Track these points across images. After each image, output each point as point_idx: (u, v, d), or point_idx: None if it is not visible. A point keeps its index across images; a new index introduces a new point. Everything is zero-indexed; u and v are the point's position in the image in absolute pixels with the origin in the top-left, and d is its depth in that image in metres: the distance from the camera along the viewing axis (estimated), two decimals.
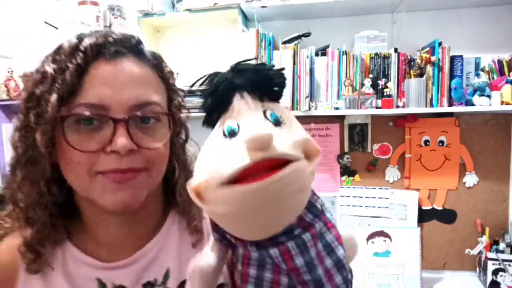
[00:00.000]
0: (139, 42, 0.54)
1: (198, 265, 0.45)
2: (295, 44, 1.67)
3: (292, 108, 1.65)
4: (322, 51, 1.70)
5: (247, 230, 0.39)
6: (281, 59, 1.66)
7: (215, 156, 0.37)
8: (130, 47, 0.52)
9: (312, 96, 1.66)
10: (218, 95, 0.39)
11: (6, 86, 1.99)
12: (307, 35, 1.75)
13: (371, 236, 1.72)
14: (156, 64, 0.55)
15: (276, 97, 0.41)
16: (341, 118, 1.81)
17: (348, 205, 1.83)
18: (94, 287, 0.53)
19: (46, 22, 1.96)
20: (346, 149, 1.83)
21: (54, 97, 0.46)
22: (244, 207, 0.35)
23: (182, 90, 0.59)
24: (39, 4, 2.07)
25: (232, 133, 0.36)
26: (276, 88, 0.41)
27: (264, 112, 0.38)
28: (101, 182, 0.48)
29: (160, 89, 0.54)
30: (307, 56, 1.65)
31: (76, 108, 0.47)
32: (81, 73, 0.47)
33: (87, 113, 0.46)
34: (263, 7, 1.66)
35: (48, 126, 0.46)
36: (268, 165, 0.34)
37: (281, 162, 0.35)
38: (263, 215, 0.36)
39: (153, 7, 1.77)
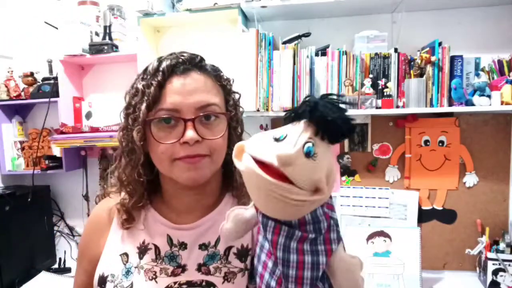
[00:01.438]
0: (201, 59, 0.72)
1: (236, 210, 0.63)
2: (295, 44, 1.67)
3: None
4: (322, 51, 1.70)
5: (254, 199, 0.52)
6: (281, 59, 1.66)
7: (260, 142, 0.49)
8: (195, 64, 0.70)
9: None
10: (294, 111, 0.50)
11: (6, 86, 1.99)
12: (307, 35, 1.75)
13: (371, 236, 1.72)
14: (215, 74, 0.72)
15: (334, 137, 0.48)
16: None
17: (348, 205, 1.83)
18: (164, 240, 0.72)
19: (46, 22, 1.96)
20: (346, 149, 1.83)
21: (143, 105, 0.65)
22: (251, 179, 0.48)
23: (237, 92, 0.77)
24: (39, 4, 2.07)
25: (277, 139, 0.48)
26: (331, 131, 0.48)
27: (306, 142, 0.46)
28: (178, 166, 0.67)
29: (218, 93, 0.71)
30: (307, 56, 1.65)
31: (159, 112, 0.66)
32: (161, 87, 0.66)
33: (165, 115, 0.65)
34: (263, 7, 1.66)
35: (140, 127, 0.66)
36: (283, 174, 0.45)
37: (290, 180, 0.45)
38: (260, 197, 0.49)
39: (153, 7, 1.77)
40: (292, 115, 0.49)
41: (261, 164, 0.46)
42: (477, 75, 1.58)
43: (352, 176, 1.84)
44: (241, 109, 0.78)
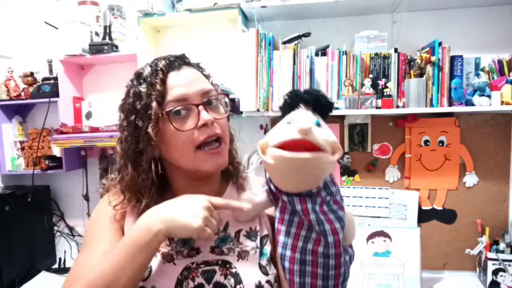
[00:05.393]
0: (187, 57, 0.79)
1: (248, 195, 0.75)
2: (295, 44, 1.67)
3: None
4: (322, 51, 1.70)
5: (283, 182, 0.62)
6: (281, 59, 1.66)
7: (277, 131, 0.60)
8: (184, 61, 0.77)
9: None
10: (289, 102, 0.64)
11: (6, 86, 1.99)
12: (307, 35, 1.75)
13: (371, 236, 1.72)
14: (200, 68, 0.80)
15: (324, 115, 0.63)
16: (341, 118, 1.81)
17: (348, 205, 1.83)
18: None
19: (46, 22, 1.96)
20: (346, 149, 1.83)
21: (154, 103, 0.70)
22: (281, 165, 0.57)
23: (216, 84, 0.83)
24: (39, 4, 2.07)
25: (290, 123, 0.59)
26: (325, 109, 0.64)
27: (312, 117, 0.60)
28: (203, 155, 0.72)
29: (209, 83, 0.78)
30: (307, 56, 1.65)
31: (168, 105, 0.70)
32: (164, 83, 0.71)
33: (178, 106, 0.70)
34: (263, 7, 1.66)
35: (155, 123, 0.69)
36: (307, 145, 0.55)
37: (315, 148, 0.56)
38: (291, 175, 0.59)
39: (153, 7, 1.77)
40: (291, 105, 0.64)
41: (287, 147, 0.56)
42: (477, 75, 1.58)
43: (352, 176, 1.84)
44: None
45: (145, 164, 0.73)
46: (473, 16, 1.72)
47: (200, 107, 0.71)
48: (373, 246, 1.71)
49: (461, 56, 1.61)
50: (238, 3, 1.67)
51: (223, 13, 1.75)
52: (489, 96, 1.57)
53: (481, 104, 1.57)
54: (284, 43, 1.71)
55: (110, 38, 1.88)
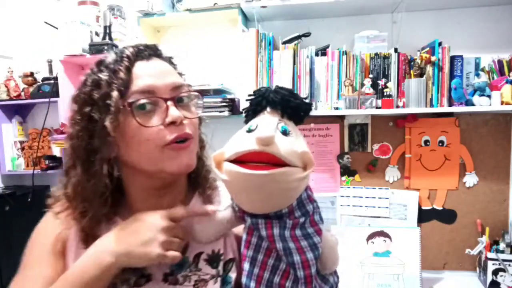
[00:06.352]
0: (159, 48, 0.69)
1: (214, 208, 0.62)
2: (295, 44, 1.67)
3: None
4: (322, 51, 1.70)
5: (244, 202, 0.53)
6: (281, 59, 1.66)
7: (235, 141, 0.51)
8: (155, 52, 0.67)
9: (312, 96, 1.66)
10: (253, 104, 0.55)
11: (6, 86, 1.99)
12: (307, 35, 1.75)
13: (371, 236, 1.72)
14: (173, 64, 0.70)
15: (297, 119, 0.54)
16: (341, 118, 1.81)
17: (348, 205, 1.83)
18: None
19: (46, 22, 1.96)
20: (346, 149, 1.83)
21: (115, 93, 0.59)
22: (237, 183, 0.49)
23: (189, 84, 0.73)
24: (39, 4, 2.07)
25: (250, 131, 0.50)
26: (294, 112, 0.54)
27: (278, 124, 0.50)
28: (168, 153, 0.60)
29: (181, 78, 0.68)
30: (307, 56, 1.65)
31: (132, 96, 0.60)
32: (129, 72, 0.61)
33: (143, 98, 0.59)
34: (263, 7, 1.66)
35: (114, 115, 0.58)
36: (270, 158, 0.46)
37: (281, 163, 0.47)
38: (251, 195, 0.49)
39: (153, 7, 1.77)
40: (255, 108, 0.54)
41: (246, 161, 0.47)
42: (477, 75, 1.58)
43: (352, 176, 1.84)
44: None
45: (98, 165, 0.61)
46: (473, 16, 1.72)
47: (169, 103, 0.61)
48: (373, 246, 1.71)
49: (461, 56, 1.61)
50: (238, 3, 1.67)
51: (223, 13, 1.75)
52: (489, 96, 1.57)
53: (481, 104, 1.57)
54: (284, 43, 1.71)
55: (110, 38, 1.88)
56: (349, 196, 1.83)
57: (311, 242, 0.52)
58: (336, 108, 1.67)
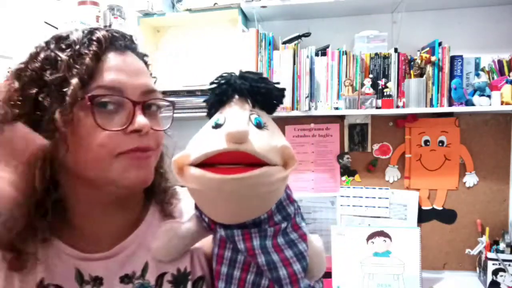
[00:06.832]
0: (135, 41, 0.59)
1: (169, 224, 0.54)
2: (295, 44, 1.67)
3: (292, 108, 1.66)
4: (322, 51, 1.70)
5: (214, 213, 0.44)
6: (281, 59, 1.66)
7: (198, 140, 0.43)
8: (131, 44, 0.57)
9: (312, 96, 1.66)
10: (218, 93, 0.45)
11: None
12: (307, 35, 1.75)
13: (371, 236, 1.72)
14: (146, 61, 0.60)
15: (270, 108, 0.47)
16: (341, 118, 1.81)
17: (348, 205, 1.83)
18: (72, 277, 0.54)
19: (46, 22, 1.96)
20: (346, 149, 1.83)
21: (75, 80, 0.48)
22: (207, 191, 0.41)
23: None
24: (39, 4, 2.07)
25: (217, 126, 0.42)
26: (265, 100, 0.46)
27: (250, 115, 0.43)
28: (123, 162, 0.50)
29: (152, 81, 0.59)
30: (307, 56, 1.65)
31: (96, 90, 0.49)
32: (97, 59, 0.50)
33: (108, 95, 0.50)
34: (263, 7, 1.66)
35: (68, 107, 0.47)
36: (244, 157, 0.38)
37: (258, 162, 0.39)
38: (224, 204, 0.41)
39: (153, 7, 1.77)
40: (220, 99, 0.45)
41: (215, 163, 0.40)
42: (477, 75, 1.58)
43: (352, 176, 1.84)
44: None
45: (41, 163, 0.49)
46: (473, 16, 1.72)
47: (138, 107, 0.51)
48: (373, 246, 1.71)
49: (461, 56, 1.61)
50: (238, 3, 1.67)
51: (223, 13, 1.75)
52: (489, 96, 1.57)
53: (481, 104, 1.57)
54: (284, 43, 1.72)
55: None
56: (349, 196, 1.83)
57: (296, 251, 0.45)
58: (336, 108, 1.67)
